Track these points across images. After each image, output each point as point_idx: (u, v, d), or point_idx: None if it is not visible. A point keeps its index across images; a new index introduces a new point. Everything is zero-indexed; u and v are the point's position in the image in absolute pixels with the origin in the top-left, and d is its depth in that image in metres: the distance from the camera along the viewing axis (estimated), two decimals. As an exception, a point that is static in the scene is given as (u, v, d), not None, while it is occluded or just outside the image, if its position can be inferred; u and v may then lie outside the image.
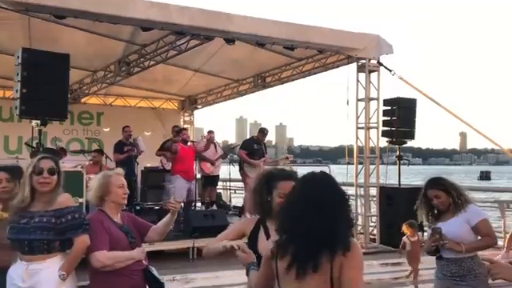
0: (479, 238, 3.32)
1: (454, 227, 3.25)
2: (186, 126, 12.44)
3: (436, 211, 3.38)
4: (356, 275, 1.87)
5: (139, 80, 10.71)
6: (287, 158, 6.94)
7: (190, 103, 13.26)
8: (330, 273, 1.86)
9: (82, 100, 11.80)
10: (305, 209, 1.93)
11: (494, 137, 9.48)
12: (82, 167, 7.12)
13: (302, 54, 9.07)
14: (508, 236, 7.29)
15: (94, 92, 11.36)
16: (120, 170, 3.29)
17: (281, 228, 2.00)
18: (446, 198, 3.30)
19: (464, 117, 9.22)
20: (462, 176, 59.50)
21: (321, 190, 1.97)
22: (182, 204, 7.63)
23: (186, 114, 13.60)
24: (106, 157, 8.89)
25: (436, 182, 3.39)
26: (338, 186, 2.04)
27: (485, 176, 60.24)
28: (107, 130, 11.95)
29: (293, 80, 10.34)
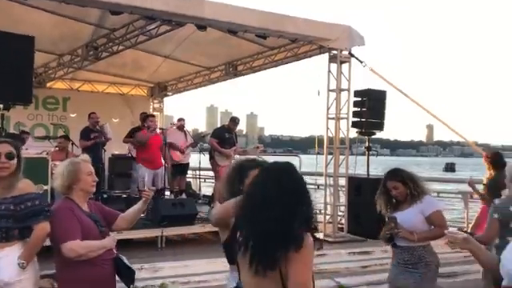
0: (432, 227, 3.42)
1: (409, 217, 3.36)
2: (155, 114, 12.24)
3: (394, 201, 3.48)
4: (301, 269, 1.87)
5: (107, 65, 10.46)
6: (258, 147, 6.92)
7: (160, 90, 13.06)
8: (280, 268, 1.87)
9: (48, 84, 11.43)
10: (261, 204, 1.92)
11: (459, 129, 9.71)
12: (47, 154, 6.91)
13: (274, 43, 9.03)
14: (471, 225, 7.51)
15: (60, 76, 11.03)
16: (87, 157, 3.19)
17: (240, 223, 2.01)
18: (403, 188, 3.41)
19: (432, 109, 9.41)
20: (427, 167, 61.07)
21: (278, 184, 1.94)
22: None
23: (156, 101, 13.39)
24: (73, 143, 8.67)
25: (394, 174, 3.50)
26: (298, 178, 2.01)
27: (450, 168, 61.94)
28: (74, 115, 11.66)
29: (265, 69, 10.30)
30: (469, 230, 7.81)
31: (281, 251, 1.86)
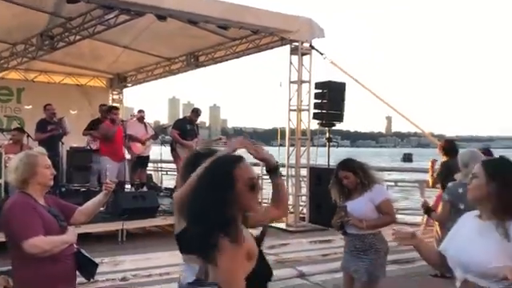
0: (381, 215, 3.55)
1: (359, 205, 3.48)
2: (115, 105, 11.99)
3: (347, 190, 3.59)
4: (221, 272, 1.67)
5: (64, 55, 10.14)
6: (220, 138, 6.91)
7: (119, 81, 12.79)
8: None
9: (0, 75, 10.98)
10: (190, 195, 1.80)
11: (416, 121, 10.03)
12: (0, 147, 6.67)
13: (236, 34, 9.00)
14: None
15: (14, 66, 10.59)
16: (42, 150, 3.09)
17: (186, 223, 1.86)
18: (353, 178, 3.52)
19: (390, 101, 9.65)
20: (386, 158, 62.67)
21: (206, 178, 1.77)
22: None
23: (115, 93, 13.10)
24: (28, 136, 8.38)
25: (345, 164, 3.62)
26: (228, 174, 1.75)
27: (407, 158, 63.76)
28: (29, 107, 11.26)
29: (226, 60, 10.26)
30: (424, 218, 8.11)
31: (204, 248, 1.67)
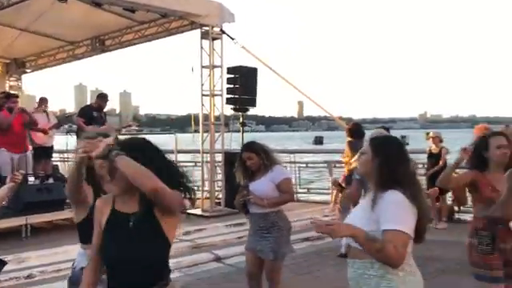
0: (281, 194, 3.70)
1: (261, 185, 3.61)
2: (13, 93, 11.09)
3: (250, 172, 3.68)
4: None
5: (-50, 38, 9.18)
6: (130, 125, 6.65)
7: (17, 66, 11.83)
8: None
9: None
10: None
11: (326, 105, 10.48)
12: None
13: (144, 18, 8.72)
14: (334, 192, 8.19)
15: None
16: None
17: None
18: (256, 159, 3.63)
19: (301, 87, 9.95)
20: (298, 141, 64.75)
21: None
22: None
23: (13, 79, 12.09)
24: None
25: (249, 146, 3.76)
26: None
27: (318, 141, 66.37)
28: None
29: (135, 44, 9.91)
30: (333, 197, 8.52)
31: None
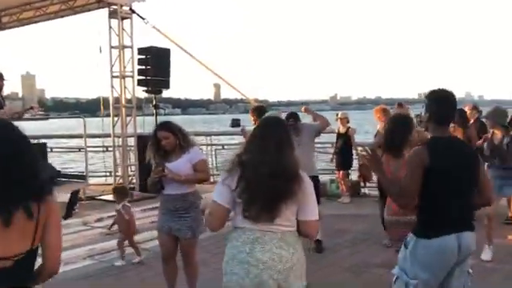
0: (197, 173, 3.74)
1: (179, 166, 3.62)
2: None
3: (163, 152, 3.65)
4: None
5: None
6: (32, 107, 6.21)
7: None
8: None
9: None
10: None
11: (242, 88, 10.57)
12: None
13: (45, -6, 8.16)
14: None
15: None
16: None
17: None
18: (173, 139, 3.62)
19: (216, 69, 9.93)
20: (216, 124, 64.77)
21: None
22: None
23: None
24: None
25: (165, 125, 3.72)
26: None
27: (235, 123, 67.00)
28: None
29: (36, 22, 9.26)
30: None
31: None
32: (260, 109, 5.52)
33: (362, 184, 8.57)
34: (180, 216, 3.60)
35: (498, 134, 4.90)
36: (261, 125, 2.45)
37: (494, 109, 5.11)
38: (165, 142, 3.61)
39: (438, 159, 2.47)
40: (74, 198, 3.27)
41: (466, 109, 6.50)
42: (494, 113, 5.01)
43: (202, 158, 3.77)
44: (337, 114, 8.44)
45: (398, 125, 3.89)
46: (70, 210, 4.09)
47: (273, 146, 2.27)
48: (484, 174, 2.74)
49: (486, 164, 4.80)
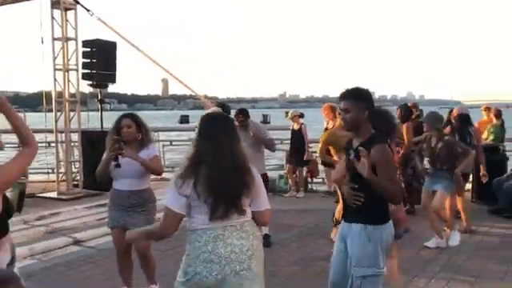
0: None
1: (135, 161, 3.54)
2: None
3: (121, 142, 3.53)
4: None
5: None
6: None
7: None
8: None
9: None
10: None
11: (191, 84, 10.44)
12: None
13: (-19, -20, 7.71)
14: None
15: None
16: None
17: None
18: (135, 130, 3.56)
19: (165, 64, 9.76)
20: (164, 120, 63.81)
21: None
22: None
23: None
24: None
25: (132, 115, 3.68)
26: None
27: (184, 120, 66.21)
28: None
29: (-29, 11, 8.73)
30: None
31: None
32: (220, 105, 5.47)
33: (310, 180, 8.76)
34: (135, 211, 3.54)
35: (434, 137, 5.18)
36: (206, 122, 2.42)
37: (432, 113, 5.38)
38: (126, 131, 3.51)
39: None
40: (23, 189, 3.09)
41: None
42: (432, 117, 5.29)
43: (155, 154, 3.70)
44: (286, 112, 8.55)
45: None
46: (20, 202, 3.88)
47: (226, 143, 2.28)
48: None
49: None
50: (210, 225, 2.27)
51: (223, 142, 2.28)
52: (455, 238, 5.23)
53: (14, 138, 10.07)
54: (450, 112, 6.75)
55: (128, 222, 3.53)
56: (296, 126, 8.21)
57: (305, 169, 8.46)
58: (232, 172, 2.25)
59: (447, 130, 5.93)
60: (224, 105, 6.14)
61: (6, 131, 9.25)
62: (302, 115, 8.31)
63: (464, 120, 5.98)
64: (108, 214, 3.74)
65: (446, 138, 5.24)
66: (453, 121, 6.20)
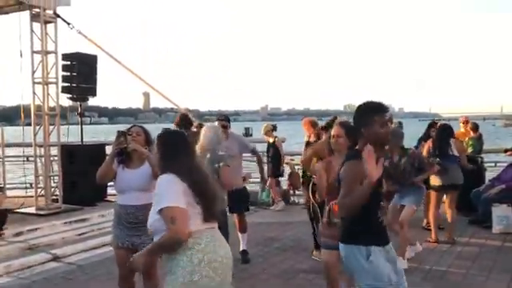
0: None
1: (143, 171, 3.32)
2: None
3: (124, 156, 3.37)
4: None
5: None
6: None
7: None
8: None
9: None
10: None
11: (172, 97, 10.40)
12: None
13: (-43, -7, 7.60)
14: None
15: None
16: None
17: None
18: (143, 139, 3.39)
19: (146, 77, 9.71)
20: (145, 133, 63.45)
21: None
22: None
23: None
24: None
25: (142, 127, 3.55)
26: None
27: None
28: None
29: None
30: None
31: None
32: (186, 118, 5.45)
33: (292, 192, 8.78)
34: (139, 229, 3.17)
35: (396, 154, 5.04)
36: (169, 135, 2.55)
37: (392, 130, 5.35)
38: (135, 137, 3.32)
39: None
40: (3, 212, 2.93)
41: None
42: (393, 134, 5.22)
43: None
44: (265, 126, 8.58)
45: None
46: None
47: (190, 150, 2.48)
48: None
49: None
50: (204, 226, 2.29)
51: (189, 149, 2.48)
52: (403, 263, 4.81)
53: (15, 151, 9.83)
54: (430, 125, 6.85)
55: (135, 242, 3.22)
56: (271, 139, 8.32)
57: (286, 181, 8.49)
58: (209, 174, 2.49)
59: (429, 144, 5.95)
60: (184, 115, 6.02)
61: (8, 145, 9.09)
62: (274, 128, 8.43)
63: (444, 132, 6.00)
64: (112, 231, 3.40)
65: (410, 151, 5.21)
66: (432, 133, 6.26)
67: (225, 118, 5.28)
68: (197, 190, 2.27)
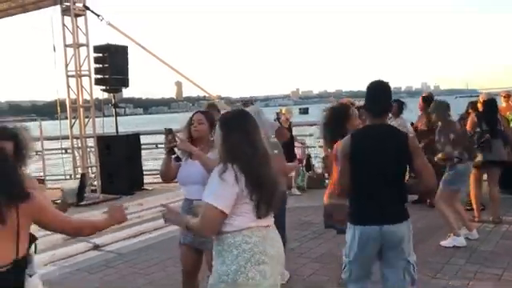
0: None
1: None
2: None
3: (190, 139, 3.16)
4: None
5: None
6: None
7: None
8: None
9: None
10: None
11: (204, 85, 10.42)
12: None
13: (-8, -9, 7.79)
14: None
15: None
16: None
17: None
18: (206, 127, 3.11)
19: (177, 67, 9.75)
20: (178, 123, 64.26)
21: None
22: None
23: None
24: None
25: (206, 112, 3.29)
26: None
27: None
28: None
29: (-16, 22, 8.85)
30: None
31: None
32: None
33: (327, 175, 8.65)
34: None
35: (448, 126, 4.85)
36: (235, 118, 2.25)
37: (436, 102, 5.15)
38: (196, 126, 3.05)
39: (356, 146, 2.63)
40: (83, 180, 2.94)
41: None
42: (438, 106, 5.01)
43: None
44: (300, 109, 8.47)
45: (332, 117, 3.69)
46: (81, 193, 3.83)
47: (258, 139, 2.18)
48: (421, 159, 2.66)
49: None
50: (255, 224, 2.14)
51: (256, 138, 2.18)
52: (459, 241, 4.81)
53: (54, 144, 10.10)
54: (472, 102, 6.53)
55: (195, 239, 3.01)
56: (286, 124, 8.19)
57: (321, 164, 8.37)
58: (271, 169, 2.18)
59: (473, 118, 5.65)
60: (251, 102, 6.02)
61: (47, 138, 9.30)
62: (305, 111, 8.25)
63: (491, 106, 5.66)
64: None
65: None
66: (479, 108, 5.90)
67: (248, 101, 5.20)
68: (255, 185, 2.10)
